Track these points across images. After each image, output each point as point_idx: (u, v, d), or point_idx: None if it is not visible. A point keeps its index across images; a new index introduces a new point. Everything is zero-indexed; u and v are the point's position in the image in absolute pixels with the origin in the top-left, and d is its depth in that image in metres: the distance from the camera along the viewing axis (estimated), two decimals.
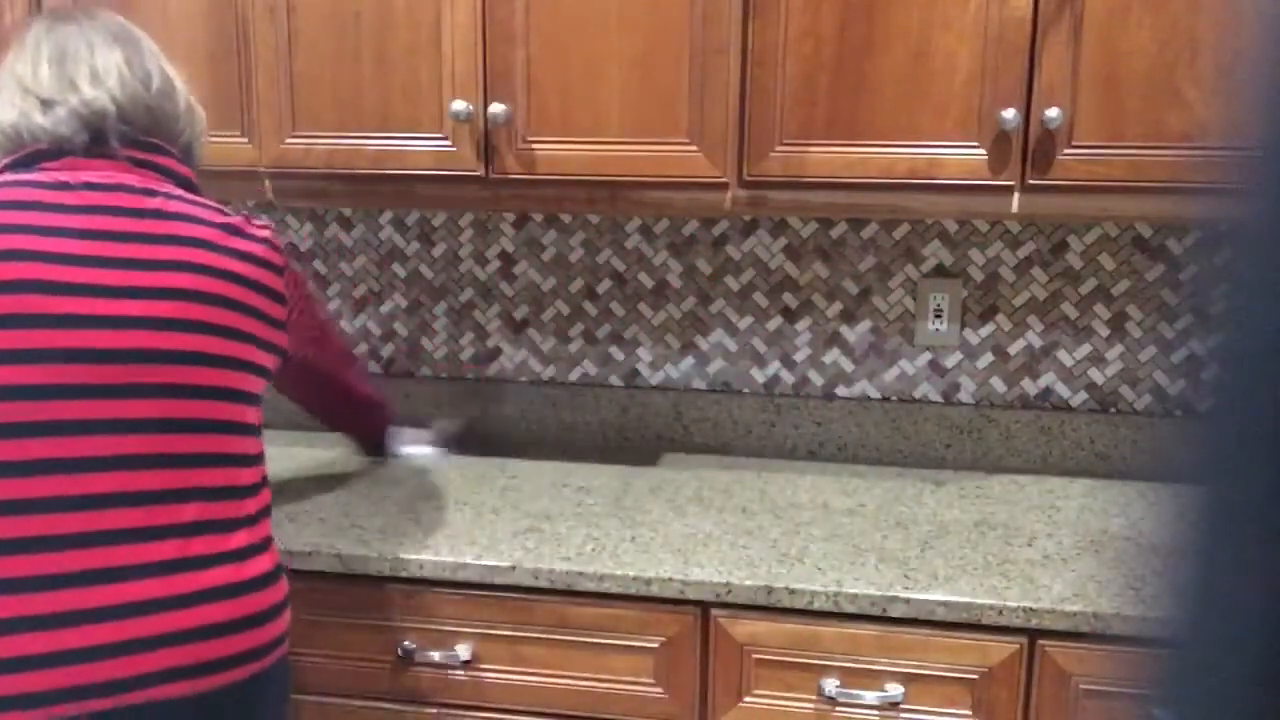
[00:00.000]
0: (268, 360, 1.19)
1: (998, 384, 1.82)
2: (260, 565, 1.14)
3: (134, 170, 1.15)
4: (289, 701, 1.22)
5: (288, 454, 1.86)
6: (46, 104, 1.12)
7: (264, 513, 1.18)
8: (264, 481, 1.19)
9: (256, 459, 1.18)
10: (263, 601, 1.13)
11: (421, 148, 1.54)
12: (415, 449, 1.87)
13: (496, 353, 1.97)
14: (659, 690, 1.38)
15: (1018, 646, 1.29)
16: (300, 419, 2.03)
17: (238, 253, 1.15)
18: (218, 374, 1.12)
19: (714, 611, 1.35)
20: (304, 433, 2.00)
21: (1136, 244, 1.75)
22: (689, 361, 1.91)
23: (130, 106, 1.16)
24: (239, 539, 1.12)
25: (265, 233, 1.20)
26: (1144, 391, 1.79)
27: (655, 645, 1.38)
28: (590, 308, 1.93)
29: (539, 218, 1.92)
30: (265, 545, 1.16)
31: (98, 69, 1.15)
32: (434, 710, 1.44)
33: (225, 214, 1.18)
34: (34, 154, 1.12)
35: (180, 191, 1.17)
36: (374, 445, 1.82)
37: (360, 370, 1.62)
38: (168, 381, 1.08)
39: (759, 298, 1.87)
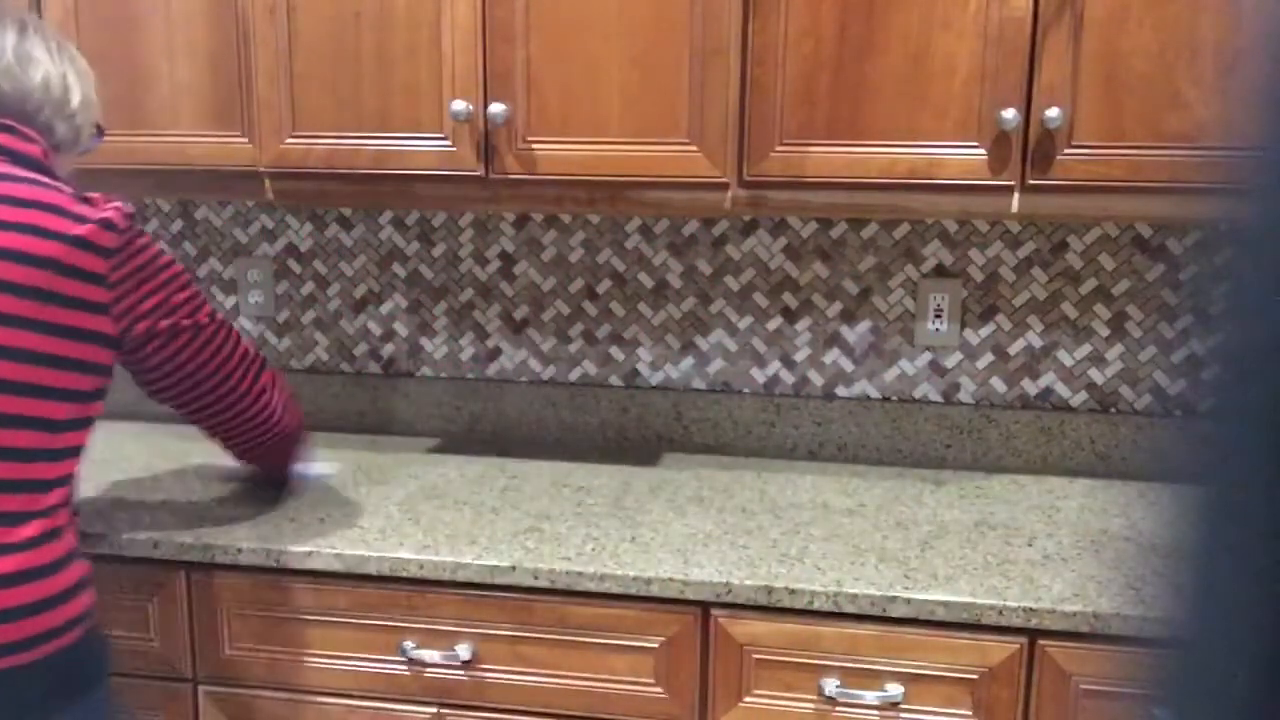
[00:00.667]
0: (84, 352, 1.16)
1: (998, 384, 1.82)
2: (49, 553, 1.13)
3: None
4: (98, 688, 1.19)
5: None
6: None
7: (64, 504, 1.17)
8: (71, 475, 1.18)
9: (66, 453, 1.16)
10: (46, 589, 1.13)
11: (421, 148, 1.54)
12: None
13: (496, 353, 1.97)
14: (659, 690, 1.38)
15: (1018, 646, 1.29)
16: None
17: (54, 234, 1.12)
18: (6, 367, 1.10)
19: (714, 611, 1.35)
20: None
21: (1136, 244, 1.75)
22: (689, 361, 1.91)
23: None
24: (31, 529, 1.12)
25: (103, 213, 1.16)
26: (1144, 391, 1.79)
27: (655, 645, 1.38)
28: (590, 308, 1.93)
29: (539, 218, 1.92)
30: (58, 533, 1.15)
31: None
32: (434, 710, 1.44)
33: (61, 195, 1.14)
34: None
35: (17, 171, 1.14)
36: (273, 469, 1.60)
37: (265, 384, 1.41)
38: None
39: (759, 298, 1.87)
